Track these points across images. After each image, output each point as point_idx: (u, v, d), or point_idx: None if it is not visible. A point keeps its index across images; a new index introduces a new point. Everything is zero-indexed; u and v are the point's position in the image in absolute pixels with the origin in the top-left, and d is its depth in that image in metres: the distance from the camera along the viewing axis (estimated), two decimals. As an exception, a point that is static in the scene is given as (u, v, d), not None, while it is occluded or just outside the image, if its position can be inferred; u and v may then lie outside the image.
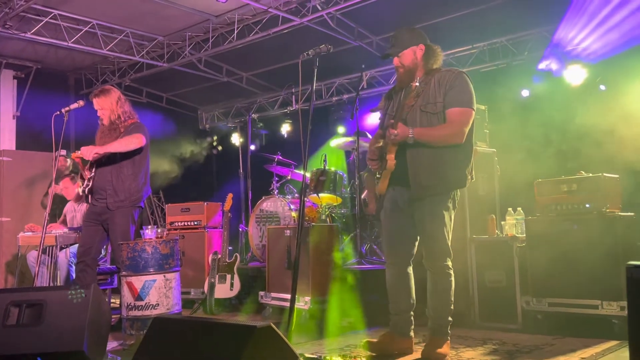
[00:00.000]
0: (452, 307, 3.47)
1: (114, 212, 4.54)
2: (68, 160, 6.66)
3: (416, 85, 3.35)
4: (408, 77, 3.48)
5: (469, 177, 3.48)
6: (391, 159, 3.36)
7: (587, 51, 6.20)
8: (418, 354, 3.53)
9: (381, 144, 3.53)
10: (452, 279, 3.47)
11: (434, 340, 3.45)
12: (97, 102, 4.64)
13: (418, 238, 3.54)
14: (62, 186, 6.03)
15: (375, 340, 3.59)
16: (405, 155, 3.38)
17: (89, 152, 4.42)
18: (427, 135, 3.32)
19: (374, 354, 3.49)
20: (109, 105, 4.62)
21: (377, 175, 3.54)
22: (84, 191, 4.69)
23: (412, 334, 3.59)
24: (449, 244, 3.45)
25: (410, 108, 3.39)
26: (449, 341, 3.48)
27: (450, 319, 3.48)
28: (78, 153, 4.52)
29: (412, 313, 3.59)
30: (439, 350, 3.37)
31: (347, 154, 7.05)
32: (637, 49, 5.61)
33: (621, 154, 5.34)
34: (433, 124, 3.37)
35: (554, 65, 6.52)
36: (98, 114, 4.68)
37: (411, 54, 3.47)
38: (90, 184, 4.62)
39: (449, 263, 3.46)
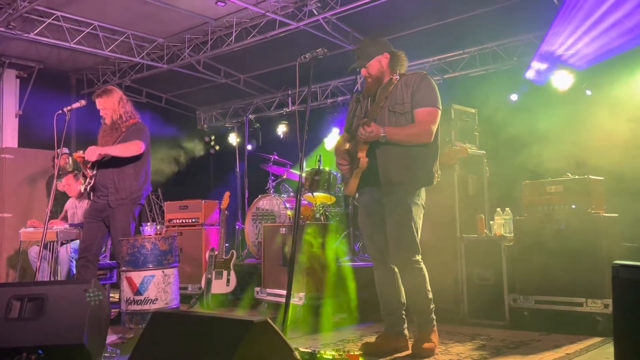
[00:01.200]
0: (430, 297, 3.46)
1: (115, 210, 4.54)
2: (69, 158, 6.65)
3: (396, 78, 3.36)
4: (376, 85, 3.52)
5: (436, 174, 3.50)
6: (363, 157, 3.37)
7: (574, 58, 6.23)
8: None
9: (348, 146, 3.55)
10: (425, 272, 3.45)
11: (422, 335, 3.46)
12: (99, 102, 4.64)
13: None
14: (64, 183, 6.01)
15: (371, 341, 3.59)
16: (374, 154, 3.39)
17: (93, 154, 4.42)
18: (398, 134, 3.35)
19: (371, 355, 3.46)
20: (111, 105, 4.62)
21: (347, 176, 3.53)
22: (85, 188, 4.68)
23: (406, 332, 3.59)
24: (418, 240, 3.43)
25: (380, 109, 3.41)
26: (435, 331, 3.48)
27: (432, 306, 3.48)
28: (80, 153, 4.51)
29: (403, 312, 3.58)
30: (427, 344, 3.38)
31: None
32: (622, 56, 5.64)
33: (606, 157, 5.36)
34: (401, 124, 3.41)
35: (539, 74, 6.54)
36: (100, 114, 4.67)
37: (377, 63, 3.50)
38: (92, 181, 4.61)
39: (418, 258, 3.43)
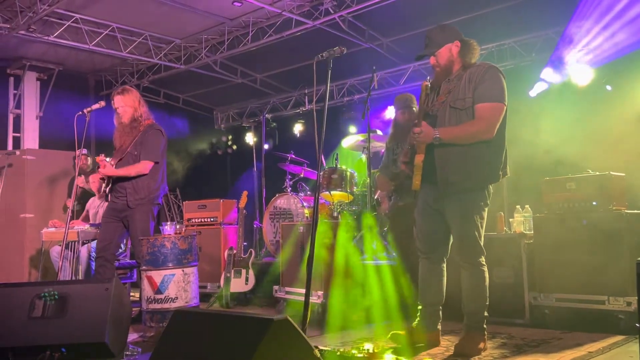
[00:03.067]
0: (487, 303, 3.39)
1: (134, 210, 4.58)
2: (89, 158, 6.72)
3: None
4: (444, 75, 3.42)
5: (501, 172, 3.36)
6: (419, 157, 3.30)
7: (593, 53, 6.15)
8: (444, 347, 3.51)
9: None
10: (486, 274, 3.38)
11: (470, 335, 3.38)
12: (120, 100, 4.67)
13: (451, 236, 3.49)
14: (91, 181, 6.09)
15: (401, 332, 3.55)
16: (432, 153, 3.30)
17: (106, 171, 4.54)
18: (454, 134, 3.23)
19: (398, 346, 3.44)
20: (131, 103, 4.68)
21: (409, 173, 3.47)
22: (104, 190, 4.75)
23: (439, 327, 3.56)
24: (482, 242, 3.36)
25: (441, 105, 3.31)
26: (485, 337, 3.40)
27: (486, 314, 3.40)
28: (101, 157, 4.56)
29: (440, 307, 3.56)
30: (477, 346, 3.32)
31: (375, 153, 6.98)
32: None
33: (627, 153, 5.29)
34: (462, 120, 3.26)
35: (558, 70, 6.47)
36: (118, 112, 4.69)
37: (447, 52, 3.38)
38: (110, 184, 4.66)
39: (482, 260, 3.37)
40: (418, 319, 3.60)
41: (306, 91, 9.36)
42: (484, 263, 3.39)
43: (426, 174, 3.33)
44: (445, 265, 3.58)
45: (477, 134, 3.23)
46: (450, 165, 3.28)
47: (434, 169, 3.31)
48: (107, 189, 4.71)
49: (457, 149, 3.26)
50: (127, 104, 4.67)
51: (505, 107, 3.28)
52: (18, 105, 9.05)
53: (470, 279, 3.39)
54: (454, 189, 3.31)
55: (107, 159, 4.59)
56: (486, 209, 3.39)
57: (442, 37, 3.39)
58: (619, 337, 3.69)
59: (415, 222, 3.66)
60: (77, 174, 4.95)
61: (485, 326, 3.41)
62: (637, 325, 1.99)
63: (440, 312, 3.58)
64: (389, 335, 3.57)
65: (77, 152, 4.74)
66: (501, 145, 3.36)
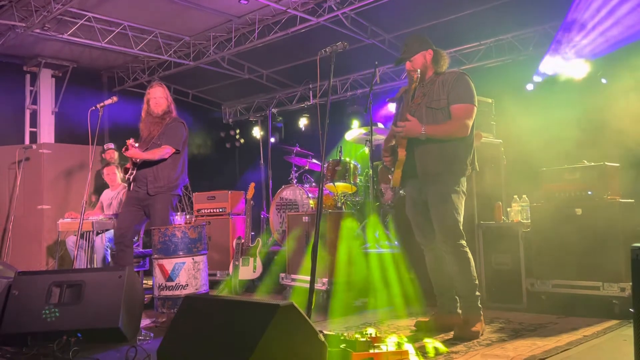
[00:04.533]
0: (476, 282, 3.48)
1: (154, 198, 4.59)
2: (116, 152, 6.72)
3: (417, 77, 3.48)
4: (419, 80, 3.60)
5: (470, 167, 3.54)
6: (402, 151, 3.47)
7: (589, 47, 6.10)
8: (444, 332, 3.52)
9: (394, 142, 3.62)
10: (470, 256, 3.48)
11: (467, 318, 3.46)
12: (157, 91, 4.74)
13: None
14: (106, 173, 6.11)
15: (425, 320, 3.64)
16: (413, 149, 3.48)
17: (133, 153, 4.55)
18: (437, 131, 3.42)
19: (424, 331, 3.52)
20: (166, 95, 4.79)
21: (392, 169, 3.60)
22: (128, 179, 4.75)
23: (459, 310, 3.60)
24: (461, 227, 3.45)
25: (417, 106, 3.51)
26: (482, 318, 3.47)
27: (477, 293, 3.48)
28: (131, 140, 4.56)
29: (455, 292, 3.62)
30: (472, 328, 3.38)
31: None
32: (638, 43, 5.51)
33: (622, 144, 5.26)
34: (437, 118, 3.47)
35: (554, 64, 6.42)
36: (152, 102, 4.72)
37: (421, 58, 3.58)
38: (135, 172, 4.67)
39: (463, 242, 3.47)
40: (438, 306, 3.70)
41: (310, 86, 9.34)
42: (465, 245, 3.48)
43: (408, 169, 3.50)
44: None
45: (455, 132, 3.45)
46: (430, 158, 3.46)
47: (415, 164, 3.49)
48: (131, 177, 4.72)
49: (436, 145, 3.44)
50: (163, 96, 4.75)
51: (475, 108, 3.50)
52: (34, 102, 9.07)
53: (456, 263, 3.47)
54: (432, 178, 3.47)
55: (136, 144, 4.59)
56: (462, 199, 3.50)
57: (418, 45, 3.61)
58: (613, 322, 3.69)
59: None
60: (90, 166, 4.94)
61: (480, 305, 3.49)
62: (631, 310, 1.98)
63: (457, 297, 3.62)
64: (414, 323, 3.65)
65: (105, 145, 4.75)
66: (471, 142, 3.56)
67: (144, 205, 4.66)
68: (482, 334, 3.41)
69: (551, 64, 6.47)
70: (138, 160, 4.63)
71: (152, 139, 4.66)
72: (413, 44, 3.62)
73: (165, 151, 4.60)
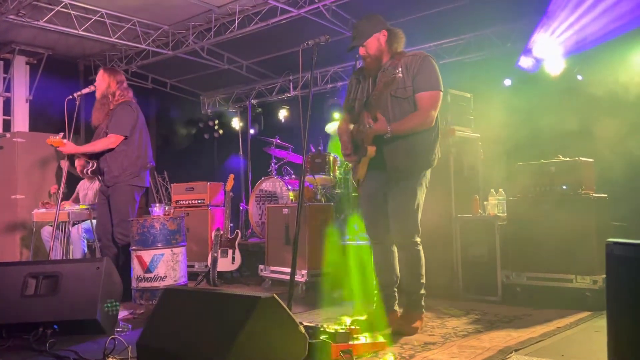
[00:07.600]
0: (423, 281, 3.43)
1: (112, 189, 4.55)
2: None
3: (395, 63, 3.20)
4: (376, 64, 3.40)
5: (436, 156, 3.45)
6: (371, 148, 3.31)
7: (566, 43, 6.19)
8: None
9: (352, 129, 3.45)
10: (422, 254, 3.42)
11: (408, 314, 3.41)
12: (99, 75, 4.66)
13: None
14: (77, 163, 6.00)
15: (362, 318, 3.51)
16: (381, 145, 3.32)
17: (68, 149, 4.50)
18: (402, 129, 3.27)
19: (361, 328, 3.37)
20: (107, 79, 4.61)
21: (355, 163, 3.48)
22: (87, 172, 4.70)
23: (396, 307, 3.55)
24: (419, 221, 3.41)
25: (380, 94, 3.25)
26: (423, 315, 3.43)
27: (422, 291, 3.43)
28: (58, 138, 4.48)
29: (395, 289, 3.56)
30: (413, 324, 3.32)
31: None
32: (613, 42, 5.61)
33: (596, 139, 5.37)
34: (404, 109, 3.31)
35: (531, 60, 6.50)
36: (94, 84, 4.65)
37: (375, 41, 3.36)
38: (94, 166, 4.60)
39: (418, 239, 3.41)
40: (376, 302, 3.60)
41: (291, 78, 9.31)
42: (419, 242, 3.42)
43: (374, 161, 3.36)
44: (395, 247, 3.55)
45: (421, 125, 3.31)
46: (399, 153, 3.32)
47: (382, 158, 3.34)
48: (89, 171, 4.66)
49: (404, 141, 3.31)
50: (103, 80, 4.62)
51: (441, 94, 3.36)
52: (8, 89, 8.86)
53: (407, 259, 3.42)
54: (400, 174, 3.36)
55: (64, 140, 4.49)
56: (424, 193, 3.44)
57: (370, 28, 3.38)
58: (586, 313, 3.78)
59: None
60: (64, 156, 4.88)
61: (423, 304, 3.44)
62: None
63: (396, 294, 3.57)
64: (351, 322, 3.48)
65: (52, 137, 4.62)
66: (437, 132, 3.44)
67: (108, 196, 4.61)
68: (420, 331, 3.33)
69: (528, 60, 6.54)
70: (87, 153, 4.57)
71: (98, 127, 4.60)
72: (365, 27, 3.38)
73: (110, 140, 4.46)
